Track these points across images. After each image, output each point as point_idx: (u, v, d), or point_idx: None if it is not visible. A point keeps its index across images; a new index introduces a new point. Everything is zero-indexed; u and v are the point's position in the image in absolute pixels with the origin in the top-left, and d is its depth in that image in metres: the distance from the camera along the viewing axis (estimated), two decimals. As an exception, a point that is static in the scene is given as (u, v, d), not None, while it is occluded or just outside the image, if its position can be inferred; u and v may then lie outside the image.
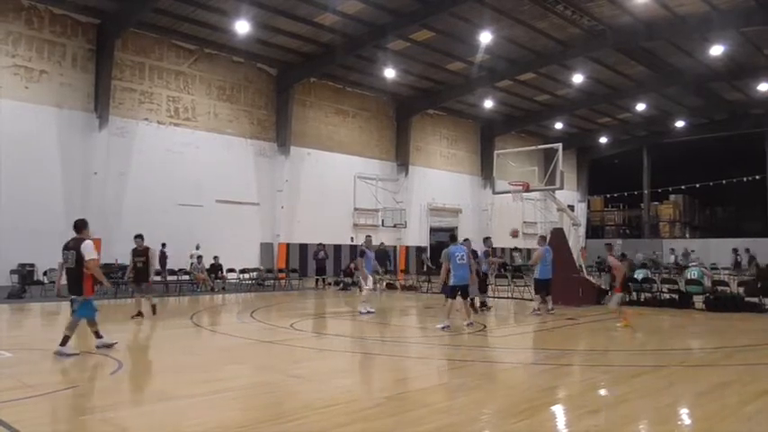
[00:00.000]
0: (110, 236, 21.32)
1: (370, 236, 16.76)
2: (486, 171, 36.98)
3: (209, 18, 22.88)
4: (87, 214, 21.47)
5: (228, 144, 25.96)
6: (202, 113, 25.37)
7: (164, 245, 21.75)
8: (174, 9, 22.03)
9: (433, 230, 35.10)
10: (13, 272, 18.76)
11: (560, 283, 15.19)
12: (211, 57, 25.38)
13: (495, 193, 23.40)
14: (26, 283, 18.32)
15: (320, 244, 24.52)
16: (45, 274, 18.95)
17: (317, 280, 23.35)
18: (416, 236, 33.72)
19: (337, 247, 29.10)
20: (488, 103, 34.12)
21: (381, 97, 32.09)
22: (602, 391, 6.81)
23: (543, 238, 15.35)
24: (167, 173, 23.65)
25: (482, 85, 30.92)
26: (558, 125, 39.44)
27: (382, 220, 31.69)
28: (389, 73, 28.12)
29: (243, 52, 25.20)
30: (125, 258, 21.25)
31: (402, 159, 33.32)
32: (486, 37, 24.43)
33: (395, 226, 31.69)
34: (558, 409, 6.10)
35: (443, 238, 34.65)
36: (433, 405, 5.98)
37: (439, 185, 35.42)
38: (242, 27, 22.42)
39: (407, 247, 32.95)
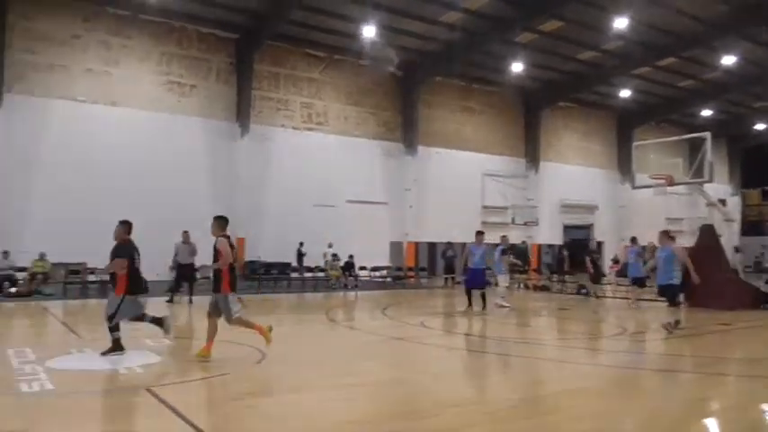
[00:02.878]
0: (253, 235, 22.93)
1: (506, 235, 16.95)
2: (623, 165, 34.96)
3: (338, 25, 23.73)
4: (232, 216, 23.22)
5: (357, 146, 26.75)
6: (333, 117, 26.38)
7: (301, 244, 22.98)
8: (305, 19, 23.11)
9: (566, 228, 33.77)
10: (172, 268, 20.63)
11: (710, 284, 13.88)
12: (340, 62, 26.29)
13: (634, 187, 21.95)
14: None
15: (448, 242, 24.49)
16: (198, 270, 20.63)
17: (446, 278, 23.32)
18: (548, 234, 32.61)
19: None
20: (624, 93, 32.19)
21: (508, 92, 31.40)
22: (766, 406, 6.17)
23: (666, 234, 11.69)
24: (302, 175, 24.85)
25: (617, 73, 29.27)
26: (705, 112, 36.32)
27: (512, 218, 31.03)
28: (517, 67, 27.46)
29: (369, 57, 25.85)
30: (268, 256, 22.79)
31: (532, 155, 32.41)
32: (621, 23, 23.09)
33: (525, 224, 30.89)
34: (712, 424, 5.61)
35: (578, 235, 33.40)
36: (569, 410, 5.76)
37: (572, 181, 33.97)
38: (368, 31, 22.98)
39: (539, 246, 31.95)
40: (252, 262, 22.70)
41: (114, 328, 7.91)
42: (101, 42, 21.55)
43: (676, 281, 10.66)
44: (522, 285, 22.37)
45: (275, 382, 6.77)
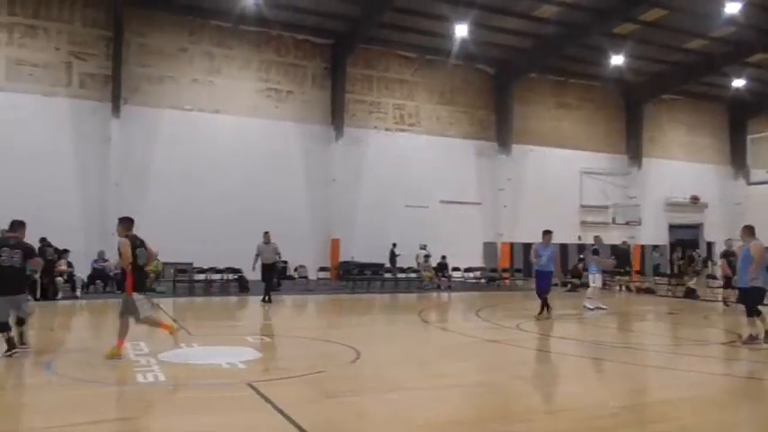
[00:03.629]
0: (347, 237, 23.47)
1: (598, 236, 16.24)
2: (736, 159, 32.61)
3: (429, 26, 23.73)
4: (327, 218, 23.98)
5: (450, 146, 26.62)
6: (425, 118, 26.42)
7: (394, 245, 23.24)
8: (396, 21, 23.30)
9: (672, 227, 31.91)
10: (253, 269, 21.49)
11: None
12: (432, 63, 26.26)
13: (749, 183, 20.37)
14: (281, 277, 20.86)
15: (545, 243, 23.81)
16: (296, 269, 21.43)
17: (543, 280, 22.70)
18: (653, 234, 30.93)
19: (563, 247, 27.93)
20: (737, 82, 29.91)
21: (608, 86, 30.06)
22: None
23: (748, 229, 9.97)
24: (395, 176, 25.06)
25: (728, 62, 27.26)
26: (832, 100, 33.06)
27: (613, 218, 29.73)
28: (616, 60, 26.22)
29: (461, 55, 25.60)
30: (362, 257, 23.19)
31: (634, 151, 30.89)
32: (732, 7, 21.51)
33: (627, 223, 29.49)
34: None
35: (684, 235, 31.45)
36: (677, 420, 5.44)
37: (678, 178, 31.97)
38: (460, 30, 22.80)
39: (643, 246, 30.39)
40: (346, 263, 23.18)
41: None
42: (205, 53, 22.79)
43: (756, 283, 9.23)
44: (624, 288, 21.40)
45: (370, 381, 6.87)
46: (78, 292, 16.25)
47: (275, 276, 15.72)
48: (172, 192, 21.40)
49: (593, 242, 15.80)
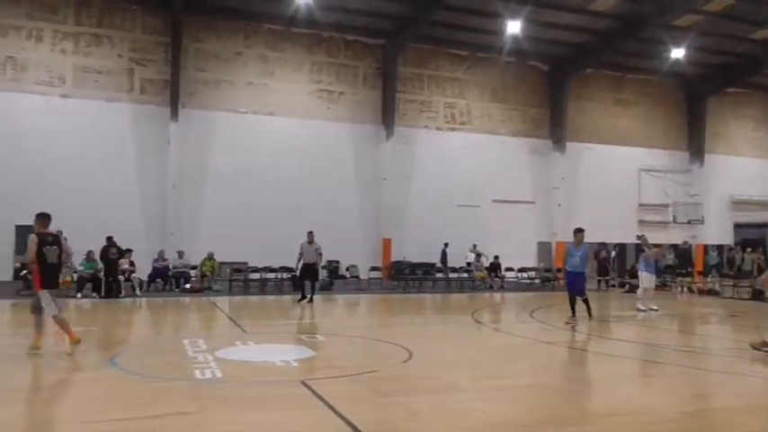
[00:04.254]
0: (398, 236, 23.51)
1: (643, 234, 15.76)
2: (808, 155, 30.95)
3: (480, 23, 23.49)
4: (378, 217, 24.08)
5: (502, 144, 26.29)
6: (477, 116, 26.18)
7: (446, 244, 23.13)
8: (447, 19, 23.16)
9: (737, 226, 30.56)
10: (322, 267, 21.76)
11: None
12: (483, 60, 25.99)
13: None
14: (333, 276, 21.09)
15: (602, 243, 23.19)
16: (347, 269, 21.61)
17: (599, 281, 22.12)
18: (716, 233, 29.69)
19: (621, 247, 27.20)
20: (811, 73, 28.41)
21: (667, 81, 29.03)
22: None
23: None
24: (446, 176, 24.94)
25: (801, 52, 25.93)
26: None
27: (673, 216, 28.71)
28: (677, 53, 25.30)
29: (514, 51, 25.21)
30: (413, 257, 23.18)
31: (696, 147, 29.74)
32: (803, -6, 20.44)
33: (689, 222, 28.43)
34: None
35: (752, 234, 30.03)
36: (743, 427, 5.20)
37: (744, 175, 30.59)
38: (513, 27, 22.47)
39: (705, 246, 29.21)
40: (397, 262, 23.22)
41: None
42: (259, 56, 23.25)
43: None
44: (685, 289, 20.67)
45: (422, 381, 6.85)
46: (138, 291, 16.84)
47: (315, 277, 15.59)
48: (227, 193, 21.95)
49: (638, 241, 15.33)
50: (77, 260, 16.46)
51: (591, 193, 27.17)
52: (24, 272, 16.84)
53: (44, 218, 8.05)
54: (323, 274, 21.24)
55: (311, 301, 15.20)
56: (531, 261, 25.39)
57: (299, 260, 15.46)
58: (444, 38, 24.79)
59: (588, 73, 27.65)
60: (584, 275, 12.26)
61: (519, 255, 24.48)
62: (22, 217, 19.88)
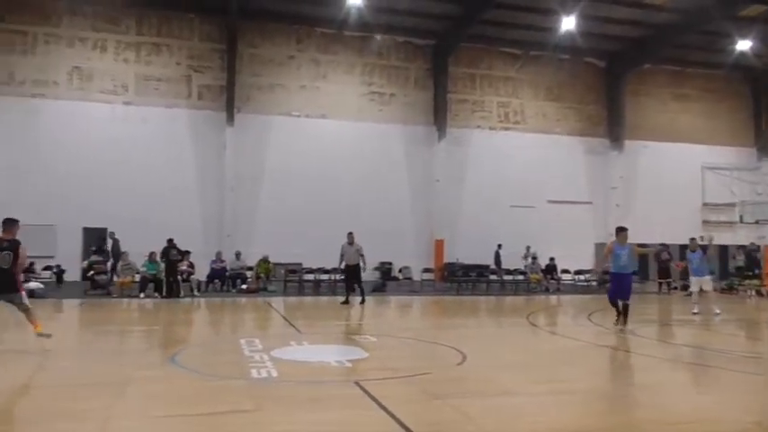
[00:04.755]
0: (451, 237, 23.38)
1: (694, 238, 15.05)
2: None
3: (533, 20, 23.11)
4: (431, 217, 24.00)
5: (557, 143, 25.79)
6: (531, 115, 25.77)
7: (499, 246, 22.85)
8: (499, 18, 22.89)
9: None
10: (375, 269, 21.86)
11: None
12: (537, 58, 25.56)
13: None
14: (386, 278, 21.14)
15: (663, 244, 22.38)
16: (400, 270, 21.62)
17: (660, 283, 21.39)
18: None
19: (683, 248, 26.17)
20: None
21: (732, 75, 27.82)
22: None
23: None
24: (500, 176, 24.65)
25: None
26: None
27: (740, 216, 27.46)
28: (742, 45, 24.21)
29: (568, 48, 24.68)
30: (466, 258, 22.98)
31: (764, 143, 28.36)
32: None
33: (757, 222, 27.13)
34: None
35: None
36: (821, 438, 4.90)
37: (818, 171, 29.00)
38: (567, 23, 22.00)
39: (774, 247, 27.82)
40: (450, 264, 23.06)
41: None
42: (311, 60, 23.57)
43: None
44: (753, 292, 19.74)
45: (477, 384, 6.76)
46: (197, 291, 17.30)
47: (358, 278, 15.55)
48: (282, 195, 22.34)
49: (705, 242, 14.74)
50: (139, 261, 17.08)
51: (650, 193, 26.30)
52: (91, 272, 17.62)
53: (7, 223, 8.42)
54: (375, 275, 21.37)
55: (363, 302, 15.19)
56: (587, 263, 24.73)
57: (340, 261, 15.46)
58: (496, 36, 24.51)
59: (646, 68, 26.77)
60: (631, 277, 11.53)
61: (575, 256, 23.91)
62: (88, 220, 20.89)
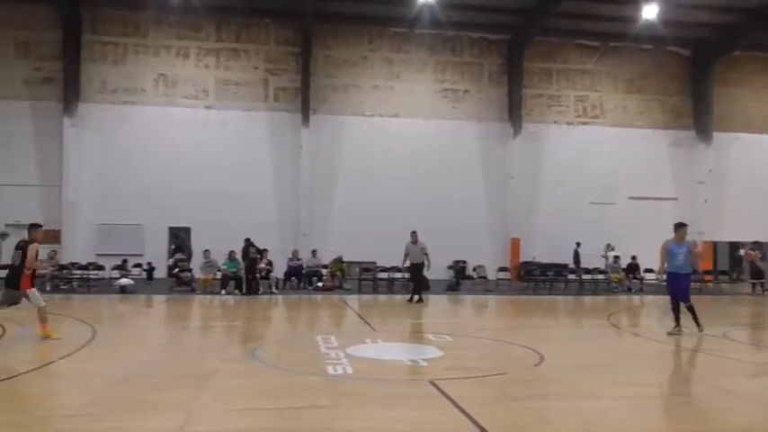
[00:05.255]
0: (528, 235, 22.90)
1: (757, 242, 13.93)
2: None
3: (612, 10, 22.26)
4: (506, 215, 23.59)
5: (639, 137, 24.70)
6: (610, 109, 24.84)
7: (578, 244, 22.17)
8: (575, 9, 22.17)
9: None
10: (449, 267, 21.74)
11: None
12: (616, 50, 24.58)
13: None
14: (460, 277, 20.96)
15: (755, 242, 21.02)
16: (474, 269, 21.38)
17: (754, 284, 20.10)
18: None
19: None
20: None
21: (836, 59, 25.71)
22: None
23: None
24: (577, 172, 23.92)
25: None
26: None
27: None
28: None
29: (650, 38, 23.52)
30: (543, 257, 22.41)
31: None
32: None
33: None
34: None
35: None
36: None
37: None
38: (649, 11, 21.02)
39: None
40: (526, 263, 22.56)
41: None
42: (384, 60, 23.70)
43: None
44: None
45: (555, 386, 6.59)
46: (275, 288, 17.79)
47: (422, 276, 15.57)
48: (356, 194, 22.61)
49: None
50: (220, 260, 17.77)
51: (742, 187, 24.71)
52: (176, 270, 18.49)
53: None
54: (449, 274, 21.24)
55: (420, 300, 15.20)
56: (673, 262, 23.53)
57: (404, 261, 15.59)
58: (572, 29, 23.76)
59: (736, 55, 25.16)
60: (689, 277, 10.84)
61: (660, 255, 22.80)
62: (173, 220, 21.95)
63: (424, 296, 15.65)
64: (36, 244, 8.95)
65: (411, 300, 15.33)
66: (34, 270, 8.99)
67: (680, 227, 11.00)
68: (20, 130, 21.38)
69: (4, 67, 21.40)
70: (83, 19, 21.98)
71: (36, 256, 8.89)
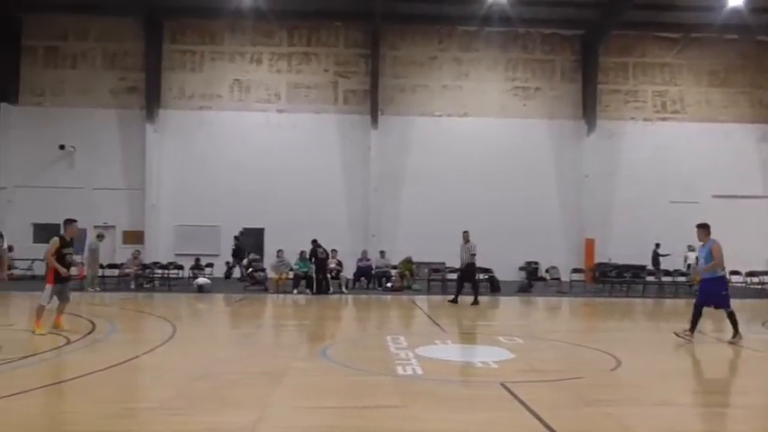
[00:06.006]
0: (603, 236, 22.18)
1: None
2: None
3: (692, 0, 21.21)
4: (580, 214, 22.90)
5: (725, 133, 23.41)
6: (692, 103, 23.69)
7: (657, 245, 21.35)
8: (652, 1, 21.29)
9: None
10: (521, 269, 21.34)
11: None
12: (698, 41, 23.41)
13: None
14: (532, 278, 20.53)
15: None
16: (547, 271, 20.88)
17: None
18: None
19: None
20: None
21: None
22: None
23: None
24: (656, 170, 22.97)
25: None
26: None
27: None
28: None
29: (735, 27, 22.23)
30: (620, 258, 21.62)
31: None
32: None
33: None
34: None
35: None
36: None
37: None
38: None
39: None
40: (602, 264, 21.81)
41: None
42: (453, 59, 23.55)
43: None
44: None
45: (633, 391, 6.34)
46: (345, 288, 18.02)
47: (470, 277, 15.25)
48: (425, 194, 22.58)
49: None
50: (292, 260, 18.17)
51: (842, 185, 23.00)
52: (250, 269, 19.04)
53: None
54: (521, 275, 20.85)
55: (475, 302, 14.85)
56: (761, 264, 22.18)
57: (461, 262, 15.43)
58: (650, 21, 22.81)
59: (834, 43, 23.46)
60: (723, 280, 10.33)
61: (747, 256, 21.53)
62: (248, 221, 22.65)
63: (501, 295, 15.25)
64: (56, 238, 9.15)
65: (454, 300, 15.03)
66: (55, 269, 9.06)
67: (699, 227, 11.03)
68: (107, 137, 22.70)
69: (92, 78, 22.80)
70: (164, 29, 23.06)
71: (54, 251, 8.99)
